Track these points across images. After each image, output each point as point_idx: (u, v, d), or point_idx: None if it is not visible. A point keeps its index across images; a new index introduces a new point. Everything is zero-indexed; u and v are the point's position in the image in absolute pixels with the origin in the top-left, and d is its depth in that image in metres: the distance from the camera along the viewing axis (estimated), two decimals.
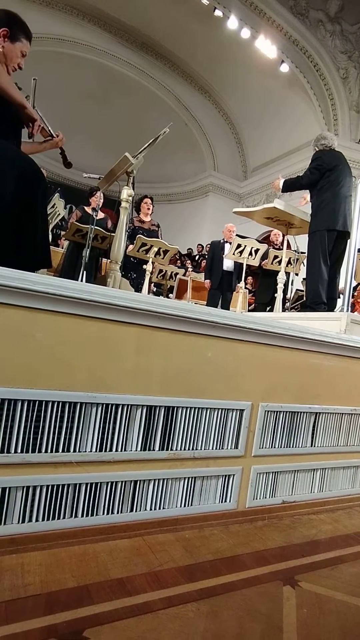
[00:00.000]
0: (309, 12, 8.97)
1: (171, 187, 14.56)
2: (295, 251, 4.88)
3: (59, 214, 5.57)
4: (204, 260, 9.67)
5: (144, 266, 4.66)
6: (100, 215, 4.79)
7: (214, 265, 5.75)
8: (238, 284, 5.31)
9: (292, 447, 1.83)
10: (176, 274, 6.35)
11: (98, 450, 1.34)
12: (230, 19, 8.94)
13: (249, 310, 5.78)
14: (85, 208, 4.99)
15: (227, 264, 5.63)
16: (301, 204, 3.74)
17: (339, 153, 3.37)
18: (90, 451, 1.32)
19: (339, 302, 3.28)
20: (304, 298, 5.12)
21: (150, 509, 1.46)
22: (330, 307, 3.24)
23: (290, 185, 3.47)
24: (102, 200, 4.80)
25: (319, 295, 3.14)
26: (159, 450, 1.46)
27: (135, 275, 4.92)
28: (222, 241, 5.75)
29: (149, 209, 5.03)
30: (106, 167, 3.10)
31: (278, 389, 1.77)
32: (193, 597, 1.11)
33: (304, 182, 3.34)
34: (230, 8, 8.84)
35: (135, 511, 1.42)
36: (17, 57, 1.86)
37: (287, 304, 5.44)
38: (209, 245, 10.55)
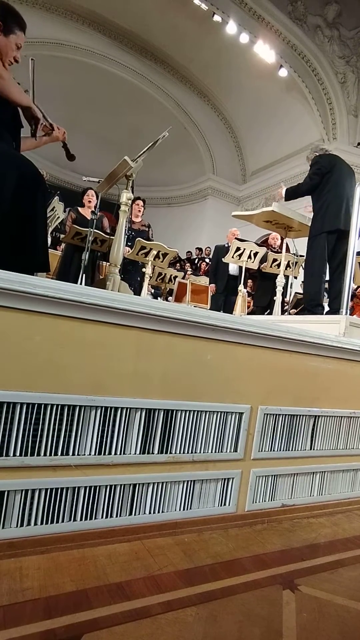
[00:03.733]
0: (307, 18, 9.04)
1: (170, 190, 14.60)
2: (294, 254, 4.89)
3: (59, 217, 5.55)
4: (203, 263, 9.70)
5: (143, 269, 4.67)
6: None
7: (219, 270, 5.70)
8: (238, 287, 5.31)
9: (292, 450, 1.83)
10: (175, 277, 6.35)
11: (97, 453, 1.34)
12: (229, 24, 9.01)
13: (248, 313, 5.78)
14: (79, 209, 4.91)
15: (233, 268, 5.60)
16: (306, 210, 3.72)
17: (336, 156, 3.39)
18: (89, 454, 1.32)
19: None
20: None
21: (149, 513, 1.45)
22: (336, 308, 3.23)
23: (292, 194, 3.47)
24: (94, 199, 4.76)
25: (317, 298, 3.14)
26: (158, 453, 1.46)
27: (125, 276, 4.90)
28: (226, 245, 5.72)
29: (139, 210, 5.05)
30: (106, 171, 3.11)
31: (277, 391, 1.77)
32: (192, 601, 1.11)
33: (304, 188, 3.36)
34: (229, 13, 8.90)
35: (134, 515, 1.42)
36: (12, 51, 1.79)
37: (287, 307, 5.45)
38: (208, 249, 10.59)
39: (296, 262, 4.94)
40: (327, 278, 3.36)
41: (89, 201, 4.79)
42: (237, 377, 1.64)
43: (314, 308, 3.14)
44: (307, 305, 3.26)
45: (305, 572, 1.36)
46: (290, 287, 5.72)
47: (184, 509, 1.53)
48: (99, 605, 1.03)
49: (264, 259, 5.20)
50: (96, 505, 1.34)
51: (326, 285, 3.56)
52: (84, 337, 1.30)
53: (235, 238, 5.33)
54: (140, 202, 5.06)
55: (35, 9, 9.82)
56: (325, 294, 3.57)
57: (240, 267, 5.34)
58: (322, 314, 3.18)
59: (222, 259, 5.46)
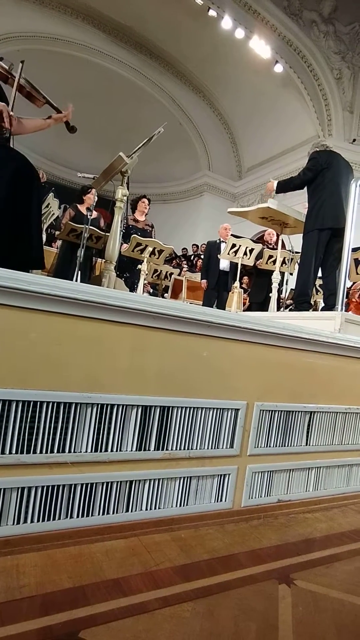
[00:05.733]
0: (302, 13, 9.00)
1: (166, 186, 14.54)
2: (290, 251, 4.89)
3: (53, 213, 5.52)
4: (199, 260, 9.68)
5: (139, 266, 4.65)
6: (94, 214, 4.74)
7: (211, 266, 5.73)
8: (233, 284, 5.33)
9: (287, 446, 1.84)
10: (171, 273, 6.35)
11: (93, 450, 1.33)
12: (224, 19, 8.96)
13: (243, 310, 5.79)
14: (78, 206, 4.91)
15: (224, 264, 5.63)
16: (304, 207, 3.69)
17: (336, 153, 3.39)
18: (86, 451, 1.32)
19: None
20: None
21: (146, 509, 1.45)
22: (332, 304, 3.24)
23: (284, 186, 3.47)
24: (96, 199, 4.75)
25: (305, 294, 3.15)
26: (154, 450, 1.46)
27: (128, 274, 4.91)
28: (218, 241, 5.75)
29: (146, 208, 5.03)
30: (101, 167, 3.09)
31: (273, 388, 1.77)
32: (189, 596, 1.11)
33: (297, 182, 3.35)
34: (225, 8, 8.85)
35: (131, 511, 1.42)
36: None
37: (282, 304, 5.46)
38: (204, 245, 10.57)
39: (292, 259, 4.94)
40: (321, 275, 3.37)
41: (92, 202, 4.75)
42: (233, 374, 1.65)
43: (301, 305, 3.15)
44: (294, 301, 3.28)
45: (301, 566, 1.37)
46: (286, 284, 5.73)
47: (180, 505, 1.53)
48: (96, 602, 1.03)
49: (259, 256, 5.20)
50: (93, 502, 1.34)
51: (321, 282, 3.57)
52: (79, 334, 1.30)
53: (231, 235, 5.33)
54: (147, 201, 5.05)
55: (29, 3, 9.72)
56: (321, 290, 3.58)
57: (232, 263, 5.34)
58: (308, 310, 3.18)
59: (218, 255, 5.47)
